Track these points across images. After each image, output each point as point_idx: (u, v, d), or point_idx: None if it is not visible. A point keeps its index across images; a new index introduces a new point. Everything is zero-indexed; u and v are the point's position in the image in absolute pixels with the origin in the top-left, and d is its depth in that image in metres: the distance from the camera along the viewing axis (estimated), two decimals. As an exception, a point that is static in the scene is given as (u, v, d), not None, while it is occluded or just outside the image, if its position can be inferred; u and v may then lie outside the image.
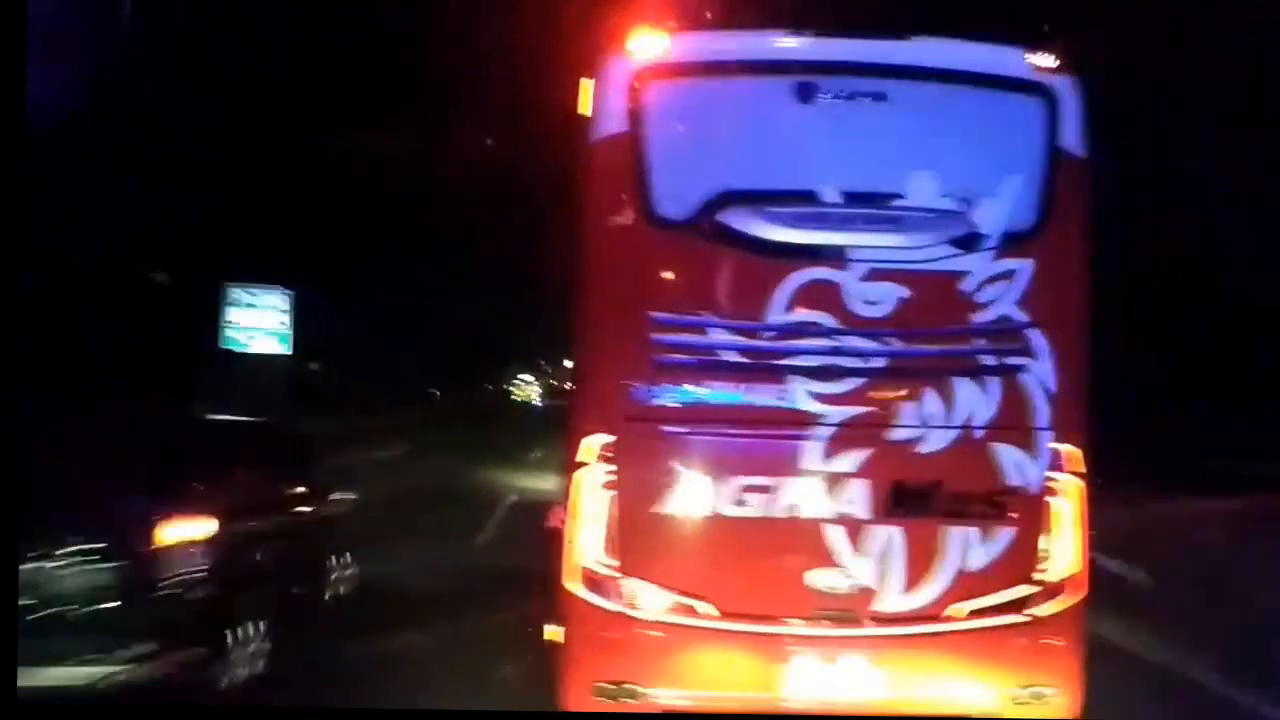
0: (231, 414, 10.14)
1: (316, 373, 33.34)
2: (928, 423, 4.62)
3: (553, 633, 4.85)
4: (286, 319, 28.91)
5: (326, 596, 8.62)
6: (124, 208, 17.44)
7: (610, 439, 4.64)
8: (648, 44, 4.68)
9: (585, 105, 4.85)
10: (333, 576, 8.80)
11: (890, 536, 4.60)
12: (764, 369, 4.61)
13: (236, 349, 27.86)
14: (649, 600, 4.62)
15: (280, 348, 28.88)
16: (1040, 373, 4.66)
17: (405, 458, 21.91)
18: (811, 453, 4.59)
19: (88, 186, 15.44)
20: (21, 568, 4.49)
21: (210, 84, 18.65)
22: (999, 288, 4.62)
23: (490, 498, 15.91)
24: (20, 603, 4.63)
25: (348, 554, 9.03)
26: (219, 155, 19.77)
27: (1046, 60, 4.73)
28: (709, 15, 4.98)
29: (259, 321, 28.73)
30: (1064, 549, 4.71)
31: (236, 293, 28.59)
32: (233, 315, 28.49)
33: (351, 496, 9.26)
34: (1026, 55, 4.75)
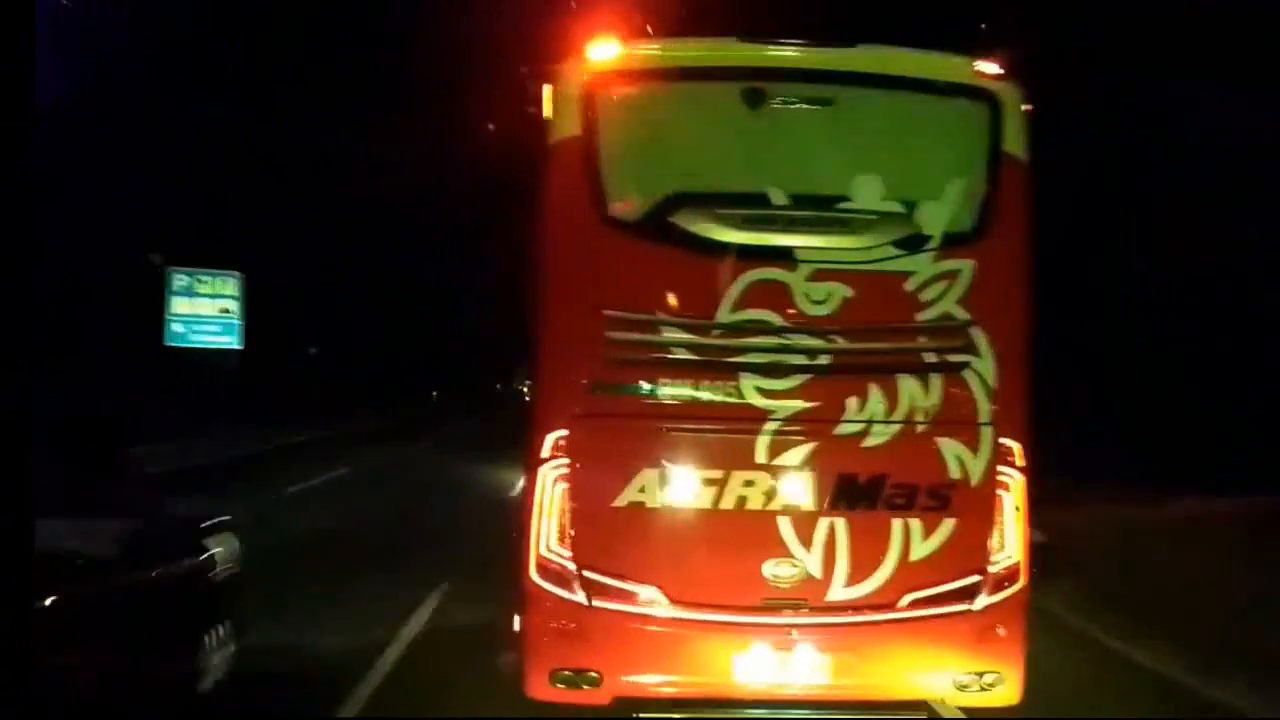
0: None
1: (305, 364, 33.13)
2: (874, 418, 5.23)
3: (516, 622, 5.47)
4: (234, 306, 27.72)
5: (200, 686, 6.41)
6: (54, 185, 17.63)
7: (564, 433, 5.25)
8: (602, 51, 5.28)
9: (546, 109, 5.48)
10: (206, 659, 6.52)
11: (838, 528, 5.22)
12: (714, 366, 5.21)
13: (180, 344, 27.13)
14: (603, 590, 5.24)
15: (226, 341, 27.94)
16: (983, 370, 5.28)
17: (355, 480, 20.76)
18: (760, 447, 5.20)
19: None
20: None
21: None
22: (942, 287, 5.25)
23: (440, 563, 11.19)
24: None
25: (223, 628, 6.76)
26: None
27: (990, 67, 5.38)
28: (662, 24, 5.59)
29: (203, 310, 27.59)
30: (1006, 540, 5.35)
31: (181, 278, 27.59)
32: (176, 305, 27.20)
33: (231, 552, 6.95)
34: (970, 62, 5.39)
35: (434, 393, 43.68)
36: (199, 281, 28.17)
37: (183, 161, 22.75)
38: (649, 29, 5.67)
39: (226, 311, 27.85)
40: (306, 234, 28.83)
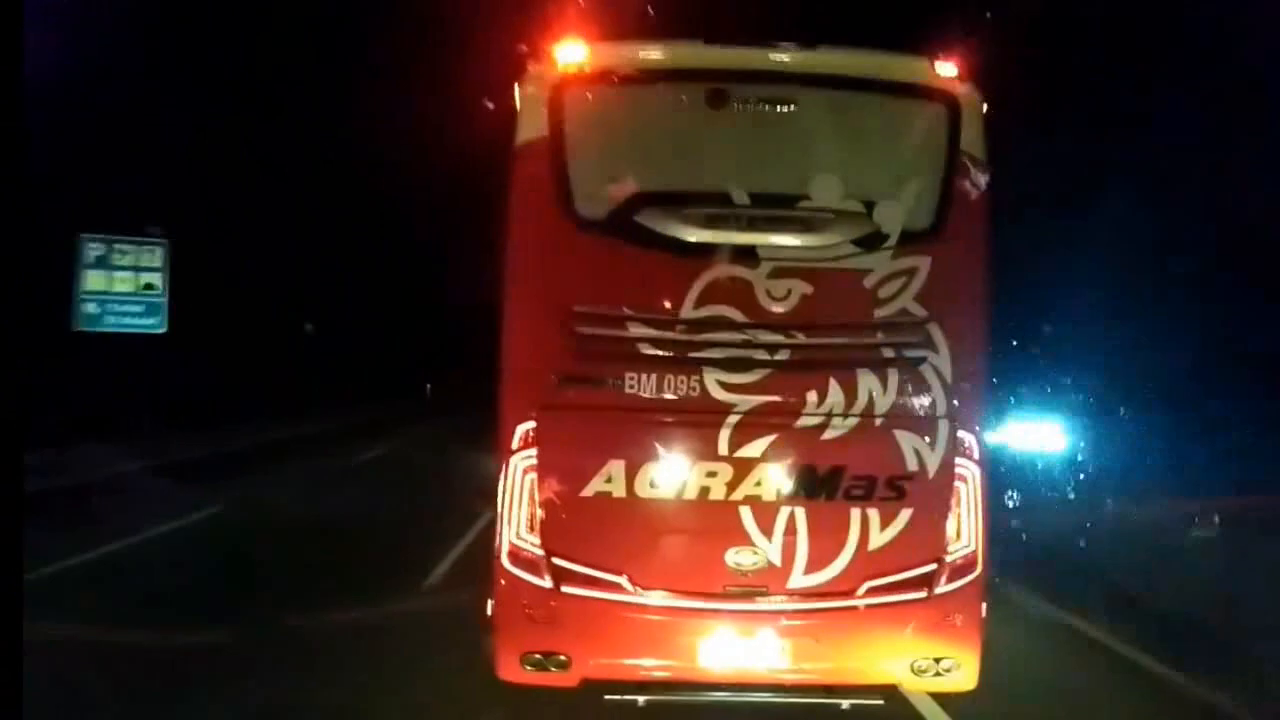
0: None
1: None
2: (833, 411, 5.92)
3: (489, 606, 6.12)
4: (159, 281, 24.51)
5: None
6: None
7: (532, 425, 5.92)
8: (569, 53, 5.94)
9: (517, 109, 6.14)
10: None
11: (798, 518, 5.91)
12: (678, 360, 5.87)
13: (94, 328, 23.71)
14: (571, 576, 5.91)
15: (150, 324, 24.71)
16: (940, 365, 5.98)
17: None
18: (723, 439, 5.88)
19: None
20: None
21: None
22: (900, 284, 5.94)
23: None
24: None
25: None
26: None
27: (948, 69, 6.08)
28: (629, 26, 6.23)
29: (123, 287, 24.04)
30: (963, 530, 6.05)
31: (96, 246, 23.94)
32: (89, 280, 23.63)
33: None
34: (929, 64, 6.08)
35: (427, 385, 42.33)
36: (117, 252, 24.85)
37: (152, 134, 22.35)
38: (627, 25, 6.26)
39: (150, 288, 24.77)
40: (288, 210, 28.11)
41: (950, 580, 6.07)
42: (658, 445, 5.96)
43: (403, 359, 42.78)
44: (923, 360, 6.01)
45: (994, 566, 6.49)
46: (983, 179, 6.13)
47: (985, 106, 6.13)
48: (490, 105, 6.20)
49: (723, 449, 5.92)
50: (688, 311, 5.89)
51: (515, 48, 6.13)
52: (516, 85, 6.07)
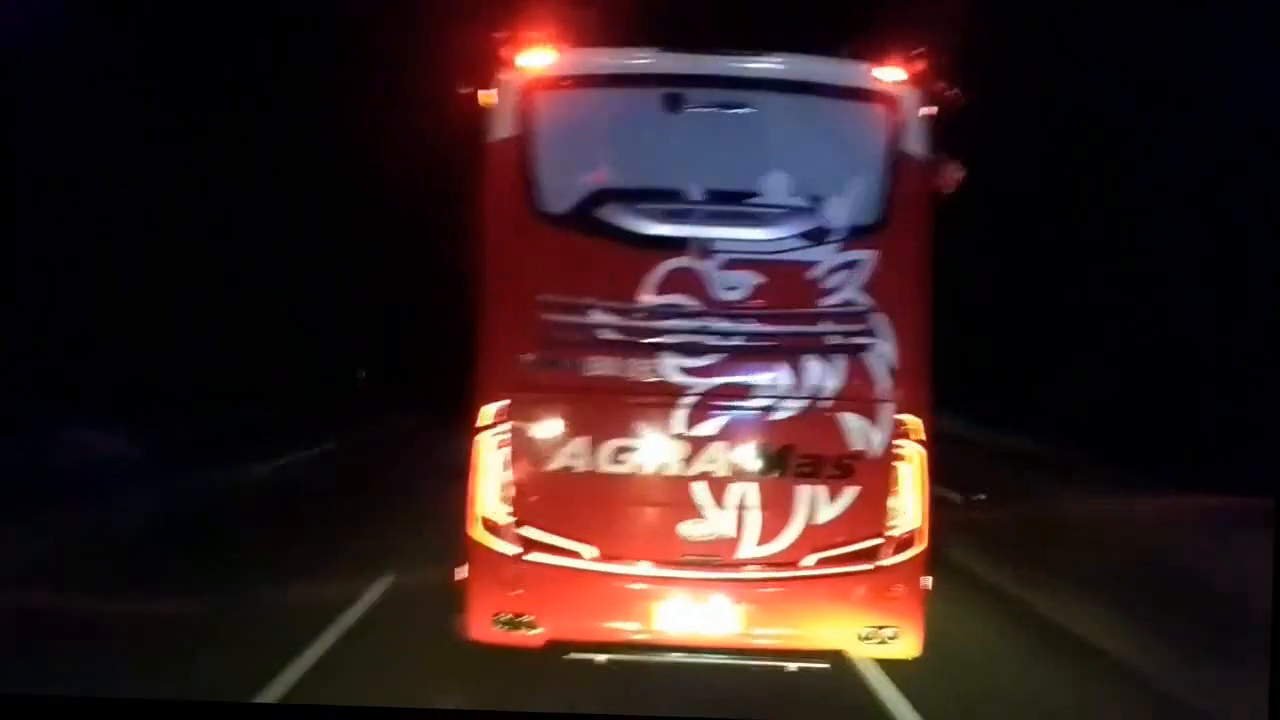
0: None
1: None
2: (782, 394, 6.34)
3: (461, 572, 6.61)
4: None
5: None
6: None
7: (504, 404, 6.40)
8: (537, 57, 6.42)
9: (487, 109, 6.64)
10: None
11: (749, 493, 6.34)
12: (638, 345, 6.32)
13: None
14: (537, 544, 6.38)
15: None
16: (884, 351, 6.38)
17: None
18: (679, 419, 6.33)
19: None
20: None
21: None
22: (845, 275, 6.35)
23: None
24: None
25: None
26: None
27: (892, 73, 6.48)
28: (594, 32, 6.70)
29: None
30: (907, 507, 6.45)
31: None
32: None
33: None
34: (874, 69, 6.49)
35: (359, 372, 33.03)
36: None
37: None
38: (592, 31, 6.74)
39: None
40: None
41: (894, 553, 6.45)
42: (619, 424, 6.41)
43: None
44: (868, 347, 6.40)
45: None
46: (924, 177, 6.52)
47: (926, 109, 6.52)
48: (465, 90, 6.65)
49: (679, 428, 6.36)
50: (646, 299, 6.35)
51: (492, 34, 6.56)
52: (487, 87, 6.56)
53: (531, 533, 6.41)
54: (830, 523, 6.40)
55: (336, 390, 31.40)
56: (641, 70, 6.56)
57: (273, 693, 6.99)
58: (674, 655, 6.59)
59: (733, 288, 6.36)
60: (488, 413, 6.45)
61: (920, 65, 6.49)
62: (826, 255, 6.39)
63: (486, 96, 6.56)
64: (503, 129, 6.47)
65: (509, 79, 6.49)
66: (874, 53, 6.53)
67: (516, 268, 6.49)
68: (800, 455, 6.40)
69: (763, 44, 6.50)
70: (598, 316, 6.38)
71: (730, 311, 6.37)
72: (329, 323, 33.13)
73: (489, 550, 6.46)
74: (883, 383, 6.42)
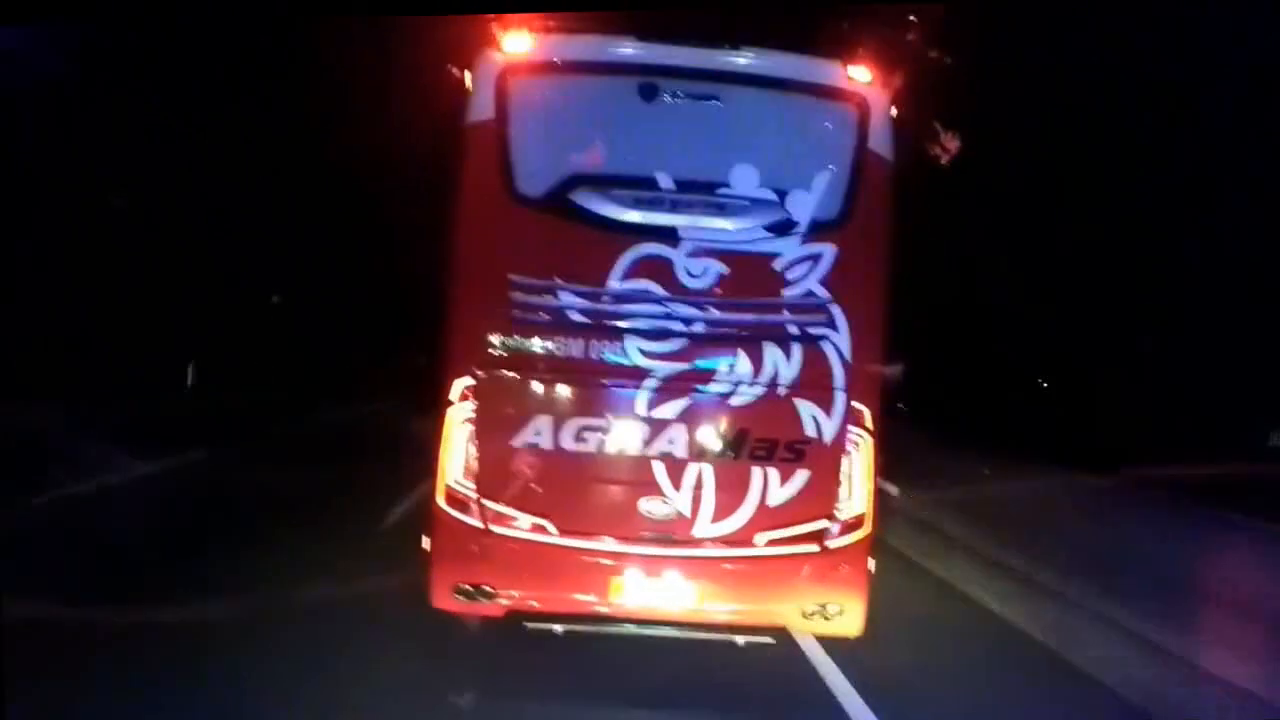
0: None
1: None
2: (741, 380, 6.56)
3: (426, 542, 6.80)
4: None
5: None
6: None
7: (472, 382, 6.56)
8: (516, 43, 6.54)
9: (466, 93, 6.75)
10: None
11: (705, 474, 6.57)
12: (604, 328, 6.52)
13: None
14: (500, 517, 6.57)
15: None
16: (840, 342, 6.61)
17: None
18: (641, 400, 6.54)
19: None
20: None
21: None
22: (806, 268, 6.57)
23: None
24: None
25: None
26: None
27: (861, 73, 6.69)
28: (571, 21, 6.82)
29: None
30: (854, 492, 6.71)
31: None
32: None
33: None
34: (843, 67, 6.69)
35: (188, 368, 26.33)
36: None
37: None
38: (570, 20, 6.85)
39: None
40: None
41: (841, 536, 6.72)
42: (583, 404, 6.61)
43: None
44: (824, 338, 6.64)
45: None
46: (887, 175, 6.74)
47: (893, 109, 6.74)
48: (454, 71, 6.76)
49: (640, 409, 6.57)
50: (614, 284, 6.53)
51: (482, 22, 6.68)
52: (468, 70, 6.67)
53: (494, 506, 6.60)
54: (782, 504, 6.66)
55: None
56: (619, 59, 6.69)
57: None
58: (629, 627, 6.83)
59: (698, 275, 6.56)
60: (455, 388, 6.61)
61: (889, 67, 6.70)
62: (790, 248, 6.61)
63: (467, 78, 6.67)
64: (481, 111, 6.59)
65: (489, 62, 6.60)
66: (847, 52, 6.72)
67: (489, 248, 6.63)
68: (756, 439, 6.64)
69: (740, 38, 6.65)
70: (566, 298, 6.55)
71: (695, 299, 6.57)
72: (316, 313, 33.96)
73: (453, 520, 6.64)
74: (838, 373, 6.66)
